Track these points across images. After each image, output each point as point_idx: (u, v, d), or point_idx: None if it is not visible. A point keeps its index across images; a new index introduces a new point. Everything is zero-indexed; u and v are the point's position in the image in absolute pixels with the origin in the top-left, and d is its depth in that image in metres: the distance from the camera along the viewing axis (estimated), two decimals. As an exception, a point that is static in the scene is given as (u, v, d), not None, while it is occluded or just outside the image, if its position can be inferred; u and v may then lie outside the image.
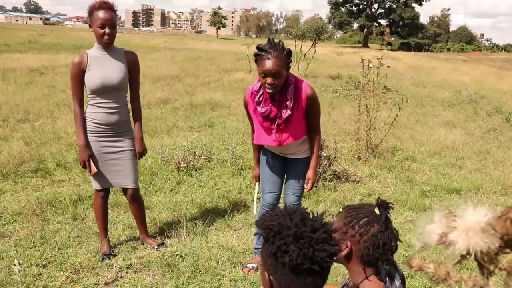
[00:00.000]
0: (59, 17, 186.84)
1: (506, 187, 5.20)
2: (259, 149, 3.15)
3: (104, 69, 2.99)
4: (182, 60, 18.47)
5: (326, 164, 4.95)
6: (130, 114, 3.23)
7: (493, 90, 15.30)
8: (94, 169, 3.09)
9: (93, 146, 3.09)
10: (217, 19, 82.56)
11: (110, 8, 2.93)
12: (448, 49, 68.21)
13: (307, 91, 2.79)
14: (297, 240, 1.13)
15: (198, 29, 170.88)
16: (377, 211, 1.52)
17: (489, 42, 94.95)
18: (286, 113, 2.76)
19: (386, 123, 6.05)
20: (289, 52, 2.70)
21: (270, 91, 2.69)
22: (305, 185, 3.04)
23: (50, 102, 8.62)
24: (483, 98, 12.74)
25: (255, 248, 3.25)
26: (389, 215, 1.55)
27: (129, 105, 3.23)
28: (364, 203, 1.60)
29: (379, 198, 1.58)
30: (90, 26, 2.98)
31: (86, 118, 3.06)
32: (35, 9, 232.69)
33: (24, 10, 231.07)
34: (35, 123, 7.05)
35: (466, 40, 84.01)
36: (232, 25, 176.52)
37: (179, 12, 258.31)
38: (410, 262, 0.78)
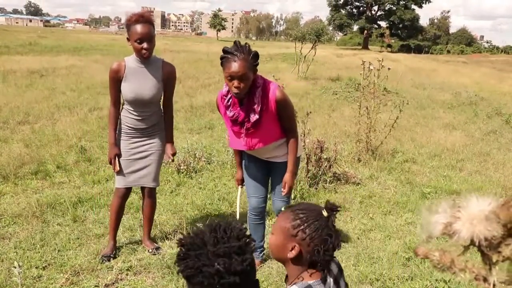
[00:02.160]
0: (59, 19, 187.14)
1: (506, 189, 5.20)
2: (240, 152, 3.09)
3: (138, 83, 3.02)
4: (182, 62, 18.47)
5: (326, 166, 4.95)
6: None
7: (493, 92, 15.30)
8: (117, 167, 3.18)
9: (122, 144, 3.18)
10: (217, 21, 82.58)
11: (148, 22, 2.93)
12: (448, 51, 68.25)
13: (276, 93, 2.70)
14: (198, 257, 1.08)
15: (198, 31, 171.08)
16: (324, 213, 1.50)
17: (489, 44, 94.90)
18: (253, 117, 2.69)
19: (386, 125, 6.05)
20: (256, 55, 2.64)
21: (236, 94, 2.63)
22: (282, 188, 2.94)
23: (50, 104, 8.63)
24: (483, 100, 12.75)
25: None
26: (335, 217, 1.53)
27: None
28: (310, 204, 1.58)
29: (328, 201, 1.55)
30: (128, 39, 2.99)
31: (121, 119, 3.16)
32: (35, 11, 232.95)
33: (24, 12, 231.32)
34: (35, 125, 7.05)
35: (466, 42, 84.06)
36: (232, 27, 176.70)
37: (179, 14, 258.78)
38: (416, 250, 0.79)
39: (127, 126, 3.15)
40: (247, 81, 2.59)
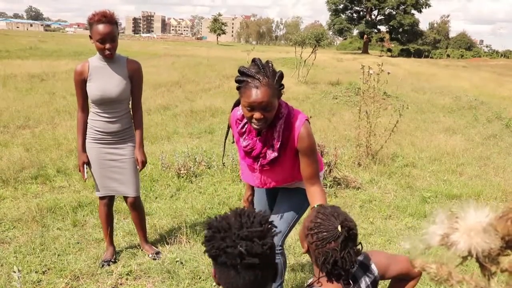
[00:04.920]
0: (60, 24, 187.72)
1: (506, 193, 5.19)
2: (251, 186, 2.73)
3: (103, 81, 2.96)
4: (182, 66, 18.51)
5: (326, 171, 4.95)
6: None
7: (493, 96, 15.32)
8: (84, 176, 3.14)
9: (94, 152, 3.09)
10: (217, 26, 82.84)
11: (110, 22, 2.87)
12: (448, 55, 68.46)
13: (301, 130, 2.20)
14: (223, 239, 1.18)
15: (199, 36, 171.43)
16: (339, 228, 1.52)
17: (489, 48, 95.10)
18: (271, 154, 2.24)
19: (386, 129, 6.06)
20: (281, 76, 2.12)
21: (257, 127, 2.14)
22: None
23: (50, 108, 8.64)
24: (483, 104, 12.76)
25: None
26: (351, 236, 1.54)
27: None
28: (335, 211, 1.57)
29: (346, 219, 1.55)
30: (90, 37, 2.94)
31: (88, 125, 3.08)
32: (36, 16, 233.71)
33: (25, 17, 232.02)
34: (35, 129, 7.06)
35: (466, 46, 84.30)
36: (233, 31, 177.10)
37: (180, 19, 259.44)
38: (414, 262, 0.78)
39: (96, 131, 3.05)
40: (272, 112, 2.10)
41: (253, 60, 2.14)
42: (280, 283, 2.71)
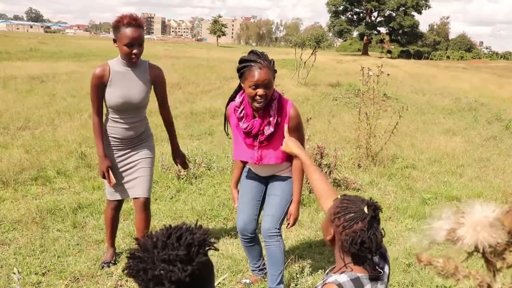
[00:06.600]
0: (60, 25, 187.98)
1: (506, 195, 5.19)
2: (241, 167, 2.96)
3: (126, 87, 2.88)
4: (182, 68, 18.52)
5: (326, 172, 4.95)
6: (148, 122, 3.19)
7: (493, 97, 15.32)
8: (113, 180, 3.02)
9: (110, 158, 3.03)
10: (217, 27, 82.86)
11: (139, 26, 2.80)
12: (448, 57, 68.56)
13: (291, 111, 2.62)
14: (143, 260, 1.06)
15: (199, 37, 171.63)
16: (365, 209, 1.56)
17: (489, 50, 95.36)
18: (268, 130, 2.59)
19: (386, 131, 6.06)
20: (274, 63, 2.59)
21: (260, 104, 2.52)
22: (287, 221, 2.78)
23: (50, 110, 8.64)
24: (483, 105, 12.77)
25: (251, 266, 3.17)
26: (376, 216, 1.59)
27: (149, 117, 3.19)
28: (359, 197, 1.64)
29: (370, 198, 1.61)
30: (114, 41, 2.83)
31: (105, 132, 3.01)
32: (36, 17, 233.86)
33: (25, 18, 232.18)
34: (35, 131, 7.05)
35: (466, 48, 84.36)
36: (233, 33, 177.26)
37: (180, 20, 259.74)
38: (419, 257, 0.79)
39: (113, 137, 2.99)
40: (271, 89, 2.51)
41: (251, 51, 2.57)
42: (280, 271, 2.83)
